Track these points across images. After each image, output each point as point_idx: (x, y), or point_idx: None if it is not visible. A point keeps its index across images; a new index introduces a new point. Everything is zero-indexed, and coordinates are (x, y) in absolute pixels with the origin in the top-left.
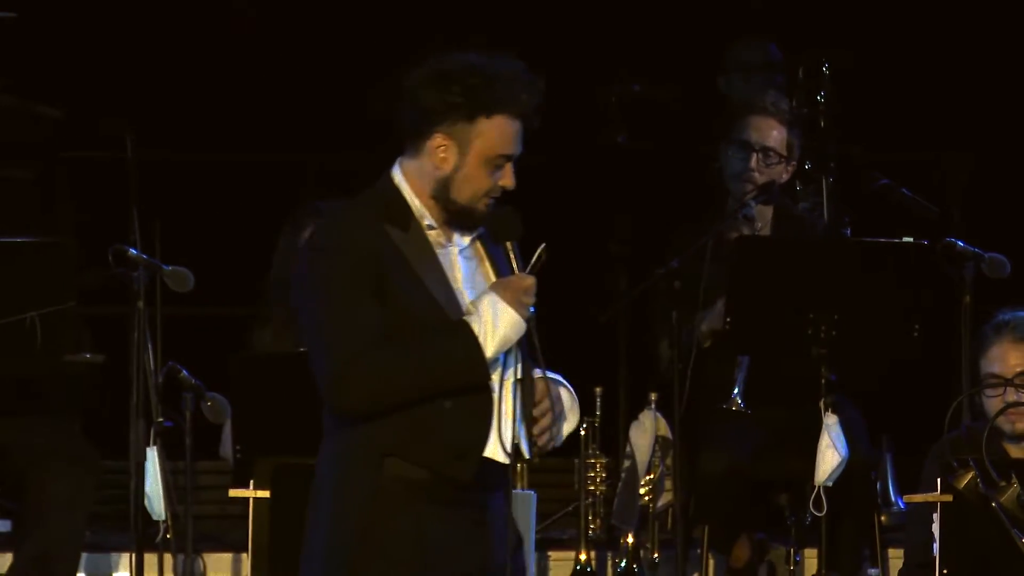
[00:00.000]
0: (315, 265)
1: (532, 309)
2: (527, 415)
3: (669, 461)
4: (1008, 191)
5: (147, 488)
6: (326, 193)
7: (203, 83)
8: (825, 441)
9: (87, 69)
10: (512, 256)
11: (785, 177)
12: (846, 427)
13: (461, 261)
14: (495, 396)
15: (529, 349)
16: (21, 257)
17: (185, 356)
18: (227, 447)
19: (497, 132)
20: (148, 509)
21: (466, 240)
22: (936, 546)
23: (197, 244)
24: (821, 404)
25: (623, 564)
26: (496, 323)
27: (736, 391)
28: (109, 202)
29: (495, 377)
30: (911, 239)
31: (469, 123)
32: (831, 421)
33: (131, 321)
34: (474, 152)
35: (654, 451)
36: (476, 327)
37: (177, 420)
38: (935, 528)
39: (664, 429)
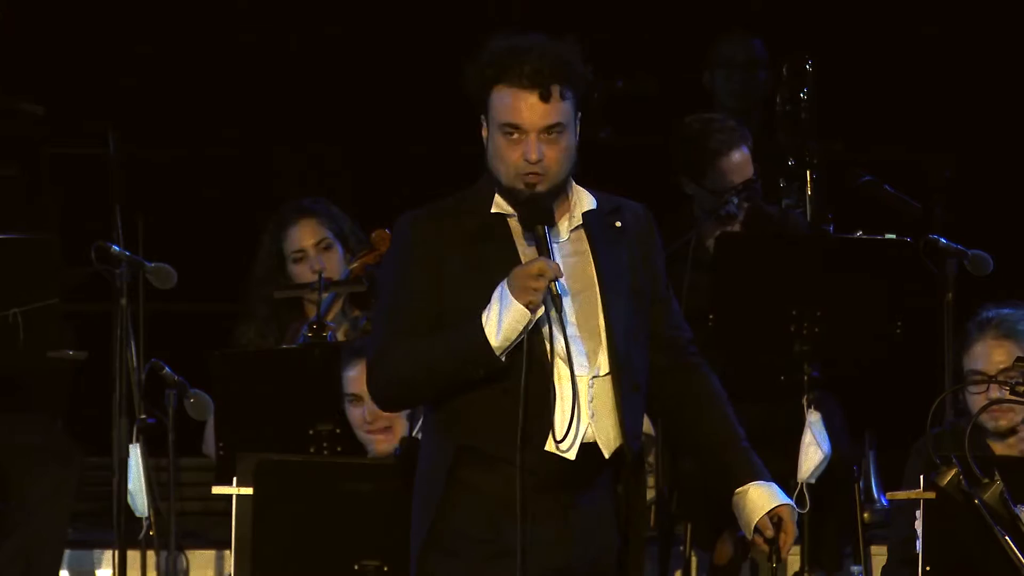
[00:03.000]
0: (385, 255)
1: (563, 291)
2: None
3: (651, 458)
4: (990, 188)
5: (130, 485)
6: (309, 190)
7: (186, 79)
8: (808, 438)
9: (69, 65)
10: (547, 240)
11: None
12: (828, 424)
13: (553, 254)
14: (568, 391)
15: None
16: (4, 253)
17: (168, 353)
18: (210, 444)
19: (500, 102)
20: (131, 506)
21: (562, 235)
22: (919, 543)
23: (180, 240)
24: (804, 401)
25: None
26: (501, 313)
27: None
28: (92, 198)
29: (564, 371)
30: (894, 236)
31: (487, 98)
32: (814, 418)
33: (114, 318)
34: (493, 125)
35: None
36: (484, 318)
37: (160, 417)
38: (918, 525)
39: (647, 426)
